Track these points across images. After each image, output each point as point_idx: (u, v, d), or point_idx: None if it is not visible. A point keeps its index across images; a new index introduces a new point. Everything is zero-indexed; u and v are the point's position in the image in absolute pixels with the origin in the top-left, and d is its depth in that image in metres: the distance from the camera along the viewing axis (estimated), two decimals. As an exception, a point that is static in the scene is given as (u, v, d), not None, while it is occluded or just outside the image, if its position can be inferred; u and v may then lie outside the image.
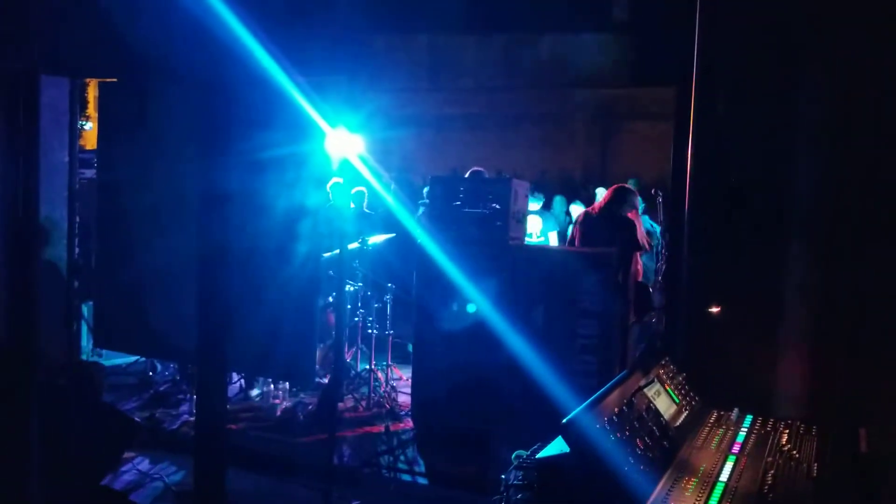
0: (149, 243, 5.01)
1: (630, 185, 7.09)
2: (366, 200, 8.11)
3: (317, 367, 5.96)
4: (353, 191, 7.87)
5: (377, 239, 6.98)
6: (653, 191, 7.97)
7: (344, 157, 5.28)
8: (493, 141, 12.44)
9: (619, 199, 6.35)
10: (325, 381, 6.63)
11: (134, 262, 5.08)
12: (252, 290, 4.64)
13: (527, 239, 6.73)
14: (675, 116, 4.15)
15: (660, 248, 7.75)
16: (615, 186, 6.49)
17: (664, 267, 7.28)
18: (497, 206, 5.96)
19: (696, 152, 4.14)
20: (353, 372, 6.95)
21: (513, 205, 6.08)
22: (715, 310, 3.89)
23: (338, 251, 4.97)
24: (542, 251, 6.24)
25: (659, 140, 9.24)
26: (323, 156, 4.73)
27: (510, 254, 5.90)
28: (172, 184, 4.83)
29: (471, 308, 5.48)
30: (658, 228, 8.24)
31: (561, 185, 11.81)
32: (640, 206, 7.53)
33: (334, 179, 7.37)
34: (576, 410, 2.72)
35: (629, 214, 6.48)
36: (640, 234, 6.42)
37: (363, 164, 6.27)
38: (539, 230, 8.43)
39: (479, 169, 6.94)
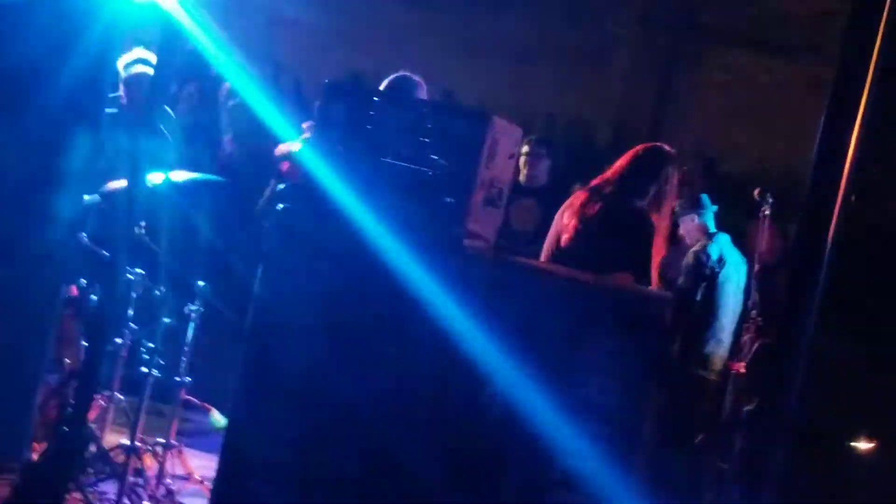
0: None
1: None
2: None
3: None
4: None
5: (183, 176, 5.55)
6: (756, 192, 6.48)
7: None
8: (449, 41, 10.74)
9: (644, 172, 5.24)
10: (35, 456, 5.05)
11: None
12: None
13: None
14: (841, 57, 4.03)
15: (745, 304, 6.39)
16: (644, 147, 5.38)
17: (754, 347, 6.13)
18: (454, 164, 4.61)
19: (871, 136, 4.03)
20: (94, 447, 5.35)
21: (485, 166, 4.64)
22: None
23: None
24: (524, 272, 4.73)
25: (775, 94, 8.52)
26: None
27: (461, 268, 4.55)
28: None
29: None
30: (742, 263, 6.74)
31: (576, 143, 10.30)
32: (707, 212, 6.56)
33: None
34: None
35: (653, 208, 5.21)
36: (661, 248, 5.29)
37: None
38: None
39: (411, 77, 5.57)
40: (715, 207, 6.76)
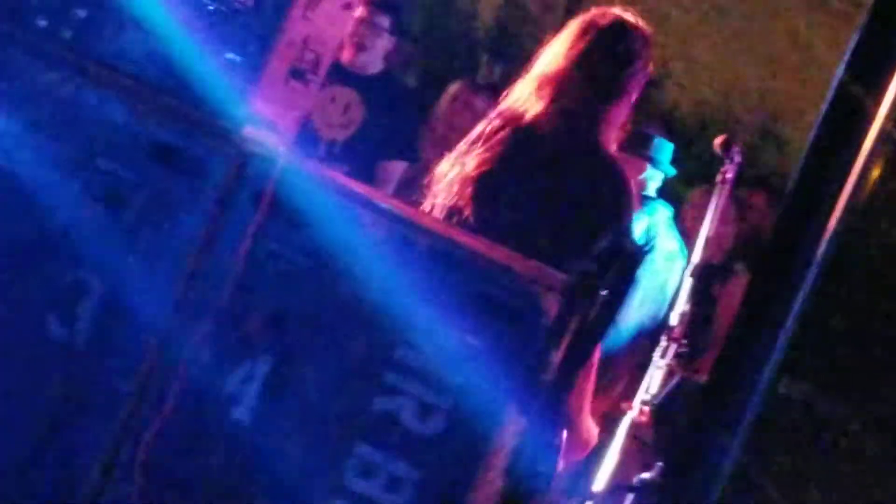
0: None
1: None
2: None
3: None
4: None
5: None
6: (718, 142, 6.18)
7: None
8: None
9: (605, 73, 5.18)
10: None
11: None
12: None
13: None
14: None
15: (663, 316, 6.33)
16: (591, 22, 5.23)
17: (671, 384, 6.02)
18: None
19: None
20: None
21: (301, 15, 4.60)
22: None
23: None
24: (339, 196, 4.50)
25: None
26: None
27: (231, 168, 4.43)
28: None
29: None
30: (677, 256, 6.74)
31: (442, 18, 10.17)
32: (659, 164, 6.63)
33: None
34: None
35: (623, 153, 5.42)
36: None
37: None
38: None
39: None
40: (672, 171, 6.52)
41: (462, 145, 5.26)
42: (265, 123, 4.39)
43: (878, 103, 3.92)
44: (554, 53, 5.16)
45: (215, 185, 4.21)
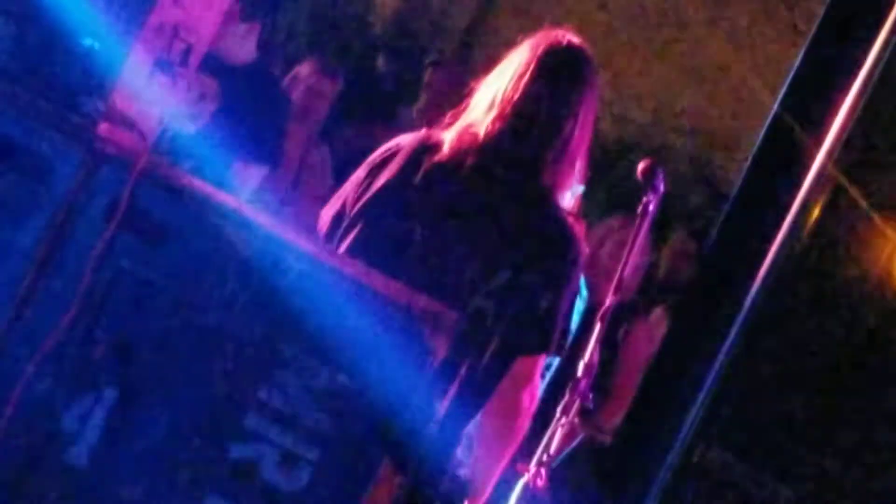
0: None
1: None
2: None
3: None
4: None
5: None
6: (641, 168, 5.96)
7: None
8: None
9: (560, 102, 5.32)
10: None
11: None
12: None
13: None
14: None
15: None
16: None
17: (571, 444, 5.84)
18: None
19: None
20: None
21: None
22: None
23: None
24: (210, 210, 4.50)
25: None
26: None
27: (86, 175, 4.37)
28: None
29: None
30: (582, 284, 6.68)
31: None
32: None
33: None
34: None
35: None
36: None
37: None
38: None
39: None
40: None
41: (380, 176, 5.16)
42: (124, 121, 4.32)
43: (818, 142, 3.96)
44: (495, 85, 5.15)
45: (61, 190, 4.13)
